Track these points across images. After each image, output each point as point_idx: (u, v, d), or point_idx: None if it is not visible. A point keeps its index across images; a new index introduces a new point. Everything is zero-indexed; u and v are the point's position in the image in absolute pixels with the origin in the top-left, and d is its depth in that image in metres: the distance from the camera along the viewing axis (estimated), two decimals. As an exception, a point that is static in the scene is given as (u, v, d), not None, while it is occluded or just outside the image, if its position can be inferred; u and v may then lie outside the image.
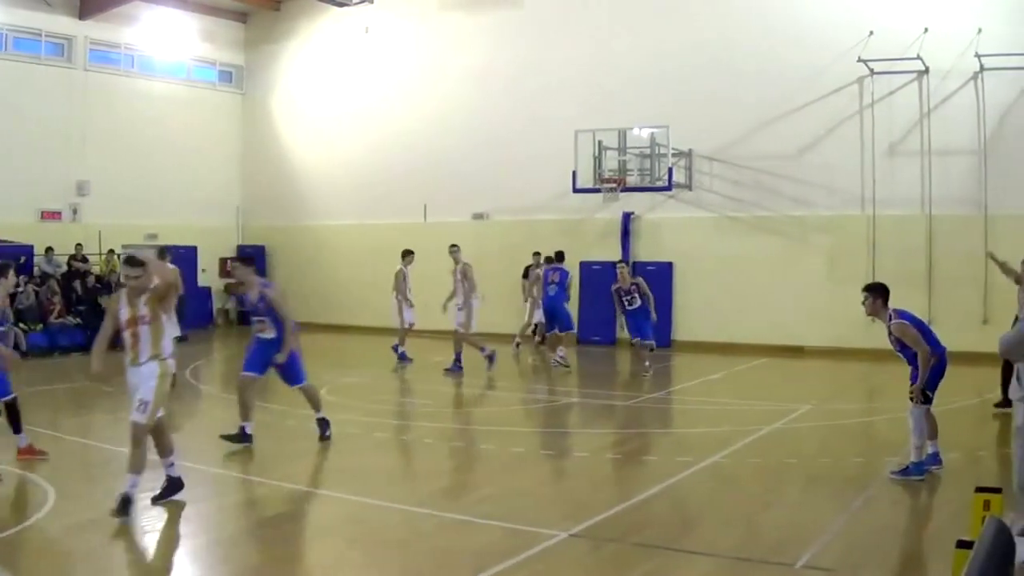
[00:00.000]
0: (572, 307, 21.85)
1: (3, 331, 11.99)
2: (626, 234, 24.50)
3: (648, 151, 23.07)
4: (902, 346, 10.24)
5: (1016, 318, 11.71)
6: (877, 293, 10.43)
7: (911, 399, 10.22)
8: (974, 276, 19.81)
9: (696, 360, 21.78)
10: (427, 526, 8.79)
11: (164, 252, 18.94)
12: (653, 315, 19.07)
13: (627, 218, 24.51)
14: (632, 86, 24.21)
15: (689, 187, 23.75)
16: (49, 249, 24.72)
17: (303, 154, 30.43)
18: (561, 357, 19.79)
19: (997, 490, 6.95)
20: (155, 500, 9.23)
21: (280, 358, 11.92)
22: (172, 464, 9.37)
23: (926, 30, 20.89)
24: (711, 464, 11.15)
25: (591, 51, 25.05)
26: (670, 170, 22.46)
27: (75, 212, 26.64)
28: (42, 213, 25.99)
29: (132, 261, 9.08)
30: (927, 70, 21.11)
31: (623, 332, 20.91)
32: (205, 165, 30.09)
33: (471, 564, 7.58)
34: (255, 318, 12.18)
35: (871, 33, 21.41)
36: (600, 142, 22.88)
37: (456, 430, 14.44)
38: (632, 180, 23.12)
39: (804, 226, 22.60)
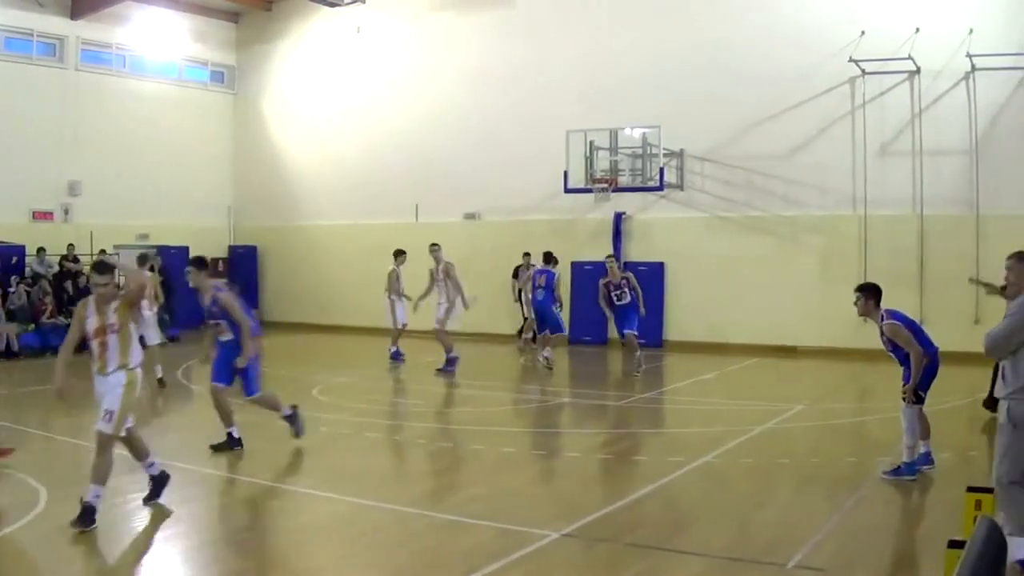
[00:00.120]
0: (565, 306, 21.79)
1: None
2: (618, 234, 24.50)
3: (640, 151, 23.05)
4: (894, 346, 10.25)
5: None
6: (869, 293, 10.43)
7: (904, 399, 10.24)
8: (966, 276, 19.76)
9: (688, 360, 21.78)
10: (418, 526, 8.78)
11: (145, 259, 18.95)
12: (642, 310, 18.99)
13: (619, 218, 24.52)
14: (623, 86, 24.21)
15: (681, 187, 23.76)
16: (41, 249, 24.67)
17: (295, 154, 30.40)
18: (545, 358, 19.79)
19: (989, 490, 6.98)
20: (146, 501, 9.19)
21: (240, 362, 11.65)
22: (152, 464, 9.25)
23: (917, 30, 20.91)
24: (703, 464, 11.16)
25: (583, 51, 25.05)
26: (661, 170, 22.45)
27: (67, 212, 26.58)
28: (34, 213, 25.91)
29: (100, 268, 8.83)
30: (918, 70, 21.14)
31: (615, 332, 20.80)
32: (197, 165, 30.04)
33: (462, 564, 7.57)
34: (211, 322, 12.00)
35: (862, 33, 21.43)
36: (592, 142, 22.84)
37: (447, 430, 14.43)
38: (624, 180, 23.09)
39: (796, 226, 22.61)
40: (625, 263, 23.84)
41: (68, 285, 24.50)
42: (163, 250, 27.51)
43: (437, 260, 19.90)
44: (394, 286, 21.32)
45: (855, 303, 10.57)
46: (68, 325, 8.97)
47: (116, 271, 8.86)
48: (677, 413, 16.27)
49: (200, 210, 30.09)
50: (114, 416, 8.58)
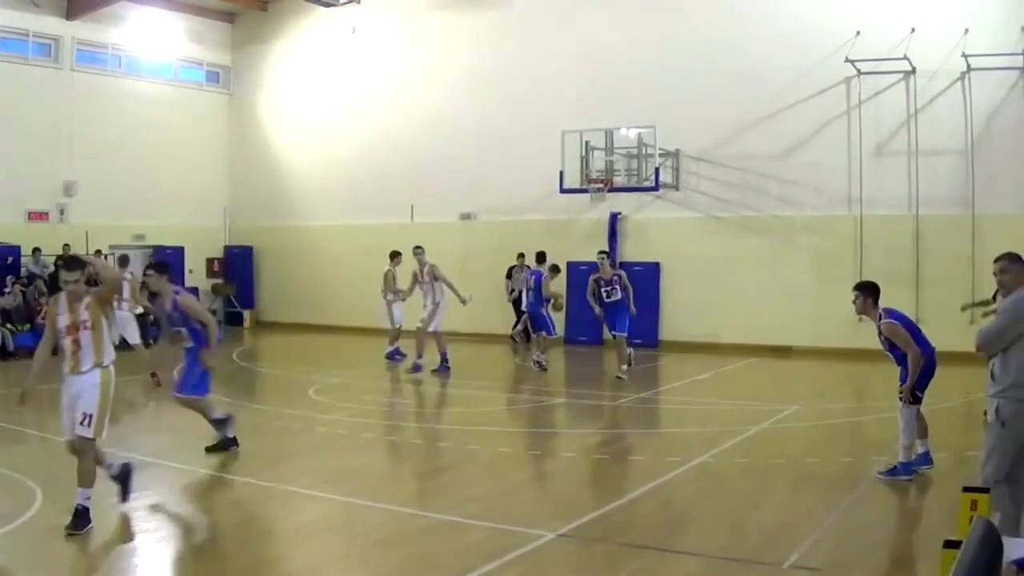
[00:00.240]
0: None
1: None
2: (613, 234, 24.50)
3: (635, 151, 23.07)
4: (891, 346, 10.25)
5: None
6: (868, 292, 10.42)
7: (901, 399, 10.24)
8: (961, 276, 19.81)
9: (683, 360, 21.78)
10: (414, 526, 8.77)
11: (126, 260, 18.93)
12: (632, 308, 18.59)
13: (614, 218, 24.51)
14: (619, 86, 24.21)
15: (676, 187, 23.76)
16: (36, 250, 24.64)
17: (290, 154, 30.38)
18: (536, 361, 19.79)
19: (985, 490, 6.96)
20: (123, 499, 9.09)
21: (211, 361, 11.47)
22: (110, 465, 9.05)
23: (913, 30, 20.93)
24: (699, 464, 11.15)
25: (579, 52, 25.04)
26: (657, 170, 22.46)
27: (62, 213, 26.53)
28: (29, 214, 25.87)
29: (70, 264, 8.65)
30: (914, 70, 21.16)
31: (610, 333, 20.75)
32: (192, 165, 29.99)
33: (458, 564, 7.56)
34: (172, 328, 11.80)
35: (858, 33, 21.44)
36: (587, 142, 22.85)
37: (443, 430, 14.43)
38: (619, 180, 23.10)
39: (791, 226, 22.62)
40: (621, 263, 23.85)
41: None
42: (159, 250, 27.58)
43: (421, 263, 19.85)
44: (390, 286, 21.34)
45: (853, 301, 10.56)
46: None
47: (86, 268, 8.66)
48: (673, 413, 16.29)
49: (196, 210, 30.08)
50: (93, 419, 8.43)
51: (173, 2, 29.13)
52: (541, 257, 21.05)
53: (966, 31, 20.40)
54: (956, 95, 20.91)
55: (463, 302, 19.75)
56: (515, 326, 24.27)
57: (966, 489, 6.81)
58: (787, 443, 12.63)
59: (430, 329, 19.44)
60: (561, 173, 22.84)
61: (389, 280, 21.40)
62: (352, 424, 14.00)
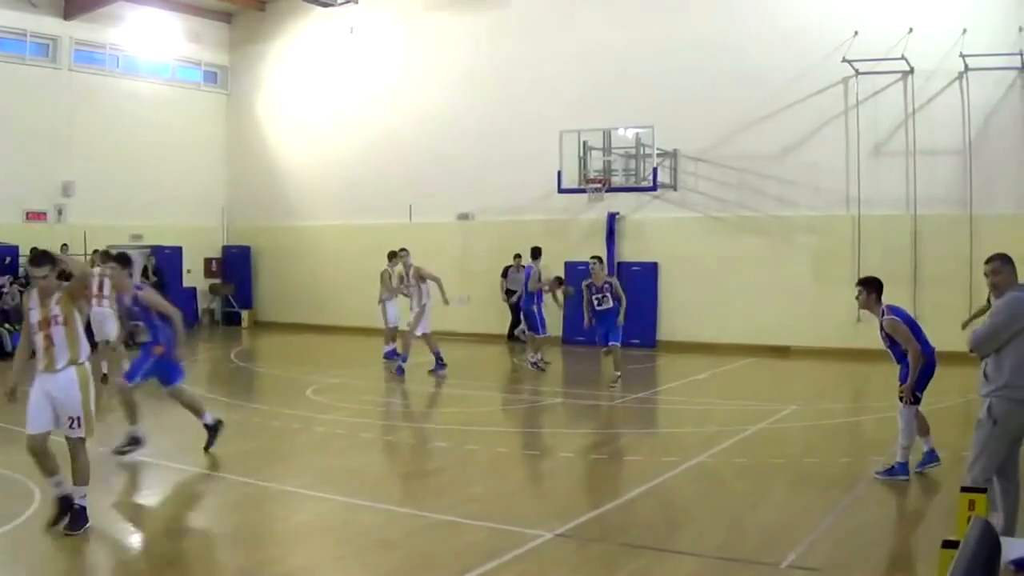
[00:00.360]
0: (560, 307, 21.76)
1: None
2: (611, 234, 24.49)
3: (633, 151, 23.05)
4: (892, 342, 10.25)
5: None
6: (871, 287, 10.43)
7: (901, 399, 10.24)
8: (959, 276, 19.83)
9: (681, 360, 21.78)
10: (412, 526, 8.76)
11: (107, 256, 18.89)
12: (620, 318, 17.76)
13: (612, 218, 24.51)
14: (617, 86, 24.21)
15: (674, 187, 23.75)
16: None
17: (288, 154, 30.36)
18: (533, 363, 19.80)
19: (982, 491, 6.97)
20: (50, 525, 8.47)
21: (178, 354, 11.41)
22: (60, 483, 8.53)
23: (911, 30, 20.94)
24: (697, 464, 11.16)
25: (576, 51, 25.03)
26: (655, 170, 22.44)
27: (60, 213, 26.51)
28: (27, 214, 25.84)
29: (38, 259, 8.43)
30: (912, 70, 21.16)
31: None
32: (190, 165, 29.97)
33: (456, 564, 7.57)
34: (131, 323, 11.70)
35: (856, 33, 21.45)
36: (585, 142, 22.83)
37: (441, 430, 14.40)
38: (617, 180, 23.09)
39: (789, 226, 22.62)
40: (619, 263, 23.91)
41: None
42: (157, 250, 27.57)
43: (406, 265, 19.79)
44: (387, 287, 21.34)
45: (856, 297, 10.59)
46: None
47: (56, 263, 8.49)
48: (671, 413, 16.30)
49: (193, 210, 30.06)
50: (82, 420, 8.37)
51: (171, 2, 29.10)
52: (535, 252, 21.01)
53: (964, 31, 20.41)
54: (954, 95, 20.91)
55: (446, 302, 19.52)
56: (515, 326, 24.26)
57: (964, 489, 6.81)
58: (785, 443, 12.63)
59: (417, 332, 19.27)
60: (559, 173, 22.82)
61: (386, 280, 21.40)
62: (350, 424, 14.00)
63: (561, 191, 23.15)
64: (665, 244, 24.03)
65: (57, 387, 8.33)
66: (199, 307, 30.48)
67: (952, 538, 4.82)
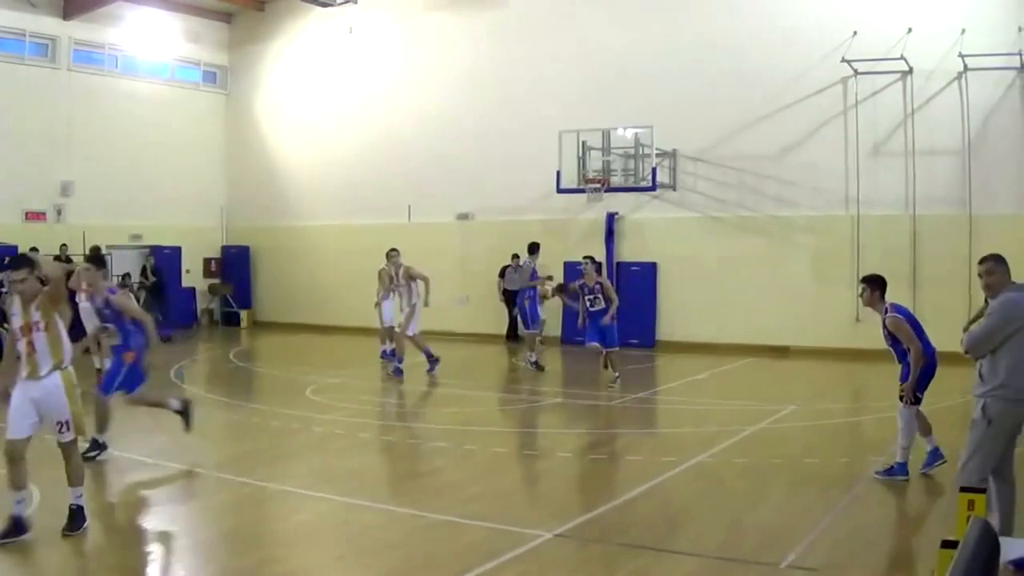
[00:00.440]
0: (558, 307, 21.74)
1: None
2: (610, 234, 24.49)
3: (632, 151, 23.05)
4: (894, 340, 10.25)
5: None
6: (875, 285, 10.43)
7: (901, 399, 10.24)
8: (958, 276, 19.80)
9: (680, 360, 21.77)
10: (411, 526, 8.76)
11: (100, 260, 18.80)
12: (607, 318, 17.58)
13: (611, 218, 24.50)
14: (616, 86, 24.20)
15: (673, 187, 23.75)
16: (33, 250, 24.37)
17: (287, 154, 30.35)
18: (532, 362, 19.80)
19: (982, 491, 6.97)
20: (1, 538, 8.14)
21: (148, 361, 11.40)
22: (21, 501, 8.22)
23: (910, 30, 20.94)
24: (696, 464, 11.16)
25: (575, 51, 25.03)
26: (654, 170, 22.43)
27: (59, 213, 26.51)
28: (26, 214, 25.83)
29: (15, 263, 8.38)
30: (911, 70, 21.15)
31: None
32: (189, 165, 29.97)
33: (455, 564, 7.56)
34: (102, 325, 11.71)
35: (855, 33, 21.45)
36: (584, 142, 22.82)
37: (439, 430, 14.38)
38: (616, 180, 23.08)
39: (788, 226, 22.61)
40: (618, 263, 23.92)
41: (60, 286, 24.38)
42: (156, 250, 27.59)
43: (396, 265, 19.75)
44: (384, 285, 21.31)
45: (860, 294, 10.63)
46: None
47: (35, 266, 8.41)
48: (670, 413, 16.29)
49: (193, 210, 30.06)
50: (71, 423, 8.32)
51: (170, 2, 29.09)
52: (532, 248, 21.00)
53: (963, 31, 20.41)
54: (953, 95, 20.90)
55: (426, 304, 19.33)
56: (513, 326, 24.27)
57: (963, 489, 6.81)
58: (784, 443, 12.63)
59: (408, 332, 19.25)
60: (558, 173, 22.81)
61: (384, 279, 21.37)
62: (349, 424, 14.00)
63: (560, 191, 23.14)
64: (664, 244, 24.03)
65: (43, 393, 8.27)
66: (198, 307, 30.49)
67: (951, 538, 4.82)
